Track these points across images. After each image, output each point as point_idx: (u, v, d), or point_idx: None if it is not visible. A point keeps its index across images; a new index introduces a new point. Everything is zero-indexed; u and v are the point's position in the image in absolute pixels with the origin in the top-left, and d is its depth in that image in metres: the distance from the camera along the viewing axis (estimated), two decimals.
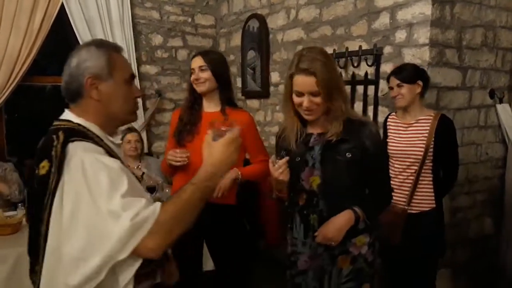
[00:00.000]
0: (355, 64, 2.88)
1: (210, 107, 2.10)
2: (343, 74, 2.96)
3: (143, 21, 3.86)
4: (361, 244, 1.64)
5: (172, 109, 3.90)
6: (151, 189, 2.64)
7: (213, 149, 1.12)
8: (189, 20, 4.11)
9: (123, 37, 3.60)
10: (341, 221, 1.56)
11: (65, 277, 0.99)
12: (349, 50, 2.90)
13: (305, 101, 1.53)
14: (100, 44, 1.18)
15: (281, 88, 3.58)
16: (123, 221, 0.96)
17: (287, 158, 1.56)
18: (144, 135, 3.73)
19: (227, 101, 2.08)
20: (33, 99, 3.87)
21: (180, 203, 1.06)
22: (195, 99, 2.13)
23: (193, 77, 2.09)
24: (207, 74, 2.04)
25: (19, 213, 2.51)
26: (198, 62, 2.06)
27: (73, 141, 1.07)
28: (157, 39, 3.96)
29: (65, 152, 1.04)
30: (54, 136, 1.07)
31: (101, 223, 0.97)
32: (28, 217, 1.19)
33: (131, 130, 3.24)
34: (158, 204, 1.03)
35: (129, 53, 3.64)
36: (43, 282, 1.06)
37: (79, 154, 1.04)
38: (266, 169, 1.74)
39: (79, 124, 1.13)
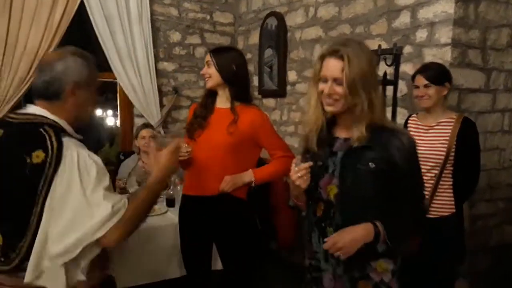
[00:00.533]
0: None
1: (222, 103, 2.08)
2: None
3: (162, 17, 3.87)
4: (382, 270, 1.44)
5: (189, 106, 3.90)
6: None
7: (160, 157, 1.36)
8: (208, 17, 4.11)
9: (141, 33, 3.61)
10: (357, 232, 1.37)
11: (50, 248, 1.19)
12: None
13: (326, 87, 1.37)
14: (85, 57, 1.35)
15: (298, 87, 3.54)
16: (106, 206, 1.20)
17: (310, 163, 1.39)
18: (160, 132, 3.73)
19: (239, 98, 2.04)
20: None
21: (137, 202, 1.28)
22: (210, 94, 2.12)
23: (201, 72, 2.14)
24: (211, 70, 2.04)
25: None
26: (207, 57, 2.08)
27: (63, 136, 1.24)
28: (175, 36, 3.96)
29: (61, 146, 1.21)
30: (42, 130, 1.22)
31: (85, 207, 1.19)
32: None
33: (146, 126, 3.25)
34: (126, 200, 1.27)
35: (147, 50, 3.65)
36: (34, 256, 1.20)
37: (74, 148, 1.23)
38: (284, 167, 1.63)
39: (53, 120, 1.28)
